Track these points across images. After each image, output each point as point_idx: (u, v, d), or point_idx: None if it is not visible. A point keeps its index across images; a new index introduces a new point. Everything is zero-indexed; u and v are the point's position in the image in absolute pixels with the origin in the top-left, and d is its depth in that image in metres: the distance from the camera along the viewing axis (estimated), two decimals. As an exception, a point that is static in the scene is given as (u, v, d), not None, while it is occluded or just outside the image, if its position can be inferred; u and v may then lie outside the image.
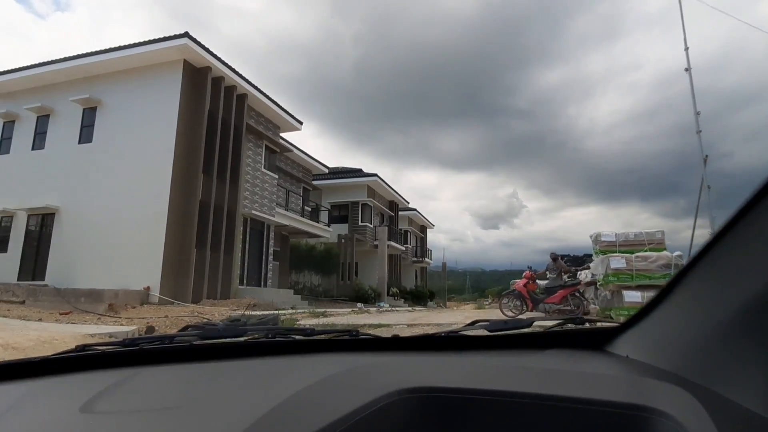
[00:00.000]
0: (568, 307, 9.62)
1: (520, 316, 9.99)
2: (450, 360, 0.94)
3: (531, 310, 10.06)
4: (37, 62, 14.62)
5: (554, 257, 10.98)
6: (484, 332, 1.08)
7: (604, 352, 0.95)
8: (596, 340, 0.99)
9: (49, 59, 14.41)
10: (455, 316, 11.60)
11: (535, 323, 1.17)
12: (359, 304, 15.31)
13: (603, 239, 10.59)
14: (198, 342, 1.03)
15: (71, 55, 14.14)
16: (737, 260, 0.59)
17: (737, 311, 0.59)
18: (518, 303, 10.16)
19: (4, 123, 15.42)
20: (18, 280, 13.63)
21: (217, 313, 10.92)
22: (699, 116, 9.66)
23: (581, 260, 14.60)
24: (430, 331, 8.23)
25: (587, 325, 1.15)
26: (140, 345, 0.99)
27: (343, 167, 29.89)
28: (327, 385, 0.71)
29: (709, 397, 0.60)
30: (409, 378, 0.72)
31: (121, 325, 8.94)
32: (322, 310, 12.33)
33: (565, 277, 11.05)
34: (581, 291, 10.15)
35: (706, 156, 9.31)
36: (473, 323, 1.16)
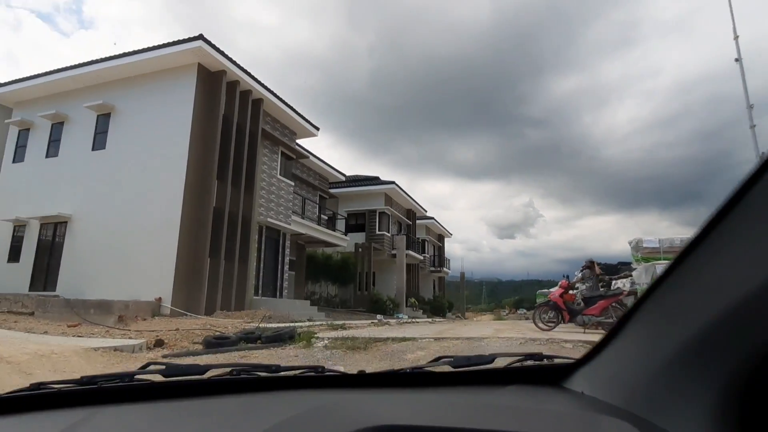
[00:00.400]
0: (610, 320, 8.81)
1: (556, 330, 9.21)
2: (415, 397, 0.97)
3: (567, 323, 9.27)
4: (51, 69, 14.45)
5: (590, 264, 10.19)
6: (448, 368, 1.10)
7: (561, 388, 0.97)
8: (554, 376, 1.00)
9: (64, 66, 14.23)
10: (483, 329, 10.84)
11: (497, 358, 1.17)
12: (379, 316, 14.65)
13: (645, 246, 9.80)
14: (159, 380, 1.00)
15: (85, 61, 13.93)
16: (680, 298, 0.62)
17: (680, 348, 0.61)
18: (554, 315, 9.38)
19: (19, 131, 15.26)
20: (29, 290, 13.29)
21: (230, 325, 10.36)
22: (750, 110, 8.87)
23: (615, 268, 13.75)
24: (459, 345, 7.53)
25: (545, 361, 1.16)
26: (99, 383, 0.96)
27: (360, 175, 29.38)
28: (292, 425, 0.70)
29: None
30: (375, 416, 0.73)
31: (129, 338, 8.43)
32: (341, 322, 11.68)
33: (600, 286, 10.25)
34: (622, 302, 9.34)
35: (763, 153, 8.48)
36: (437, 359, 1.17)
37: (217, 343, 7.89)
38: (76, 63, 14.04)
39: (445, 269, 37.91)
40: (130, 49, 13.23)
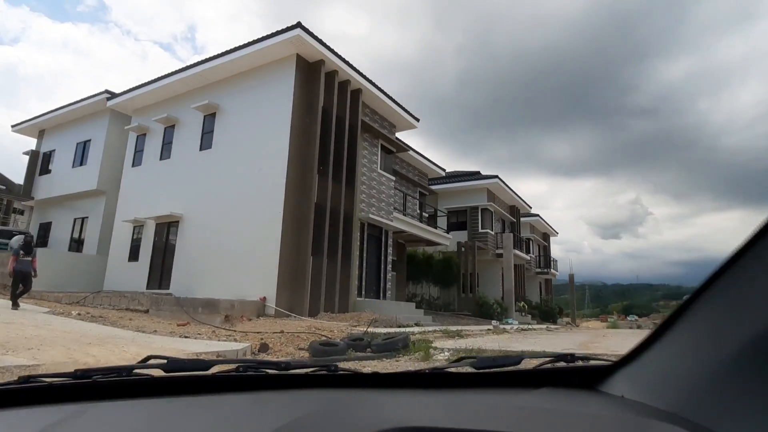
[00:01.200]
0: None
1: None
2: (434, 398, 0.91)
3: None
4: (161, 75, 14.94)
5: None
6: (470, 369, 1.04)
7: (597, 391, 0.91)
8: (589, 379, 0.95)
9: (172, 71, 14.63)
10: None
11: (525, 360, 1.10)
12: (494, 322, 13.10)
13: None
14: (159, 375, 0.95)
15: (190, 63, 14.16)
16: (741, 296, 0.59)
17: (744, 346, 0.58)
18: None
19: (137, 136, 16.06)
20: (147, 288, 13.74)
21: (336, 329, 9.55)
22: None
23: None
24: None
25: (579, 362, 1.09)
26: (93, 377, 0.91)
27: (459, 171, 27.80)
28: (303, 424, 0.67)
29: None
30: (392, 417, 0.70)
31: (235, 340, 7.90)
32: (455, 328, 10.35)
33: None
34: None
35: None
36: (459, 359, 1.13)
37: (323, 351, 7.02)
38: (183, 66, 14.33)
39: (552, 271, 34.86)
40: (231, 47, 13.11)
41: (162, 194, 14.36)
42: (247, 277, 11.56)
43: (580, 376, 0.96)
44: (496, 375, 1.02)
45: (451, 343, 8.07)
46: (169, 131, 15.13)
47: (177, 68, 14.12)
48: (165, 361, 0.99)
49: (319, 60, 12.69)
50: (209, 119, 14.03)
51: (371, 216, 14.27)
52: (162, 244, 14.21)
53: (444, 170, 23.04)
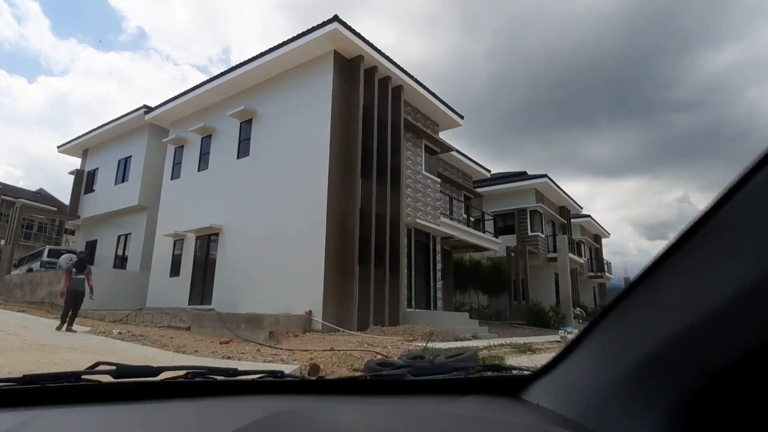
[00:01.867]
0: None
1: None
2: (373, 404, 0.96)
3: None
4: (196, 84, 14.62)
5: None
6: (409, 376, 1.12)
7: (519, 399, 0.97)
8: (512, 388, 1.01)
9: (207, 79, 14.28)
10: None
11: (458, 368, 1.17)
12: (560, 332, 11.91)
13: None
14: (108, 381, 0.94)
15: (224, 70, 13.75)
16: (637, 317, 0.62)
17: (634, 366, 0.62)
18: None
19: (175, 149, 15.80)
20: (188, 304, 13.27)
21: (389, 344, 8.62)
22: None
23: None
24: None
25: (504, 372, 1.17)
26: (42, 383, 0.90)
27: (504, 172, 26.51)
28: None
29: None
30: (333, 424, 0.73)
31: (281, 360, 7.10)
32: (523, 341, 9.23)
33: None
34: None
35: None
36: (399, 367, 1.23)
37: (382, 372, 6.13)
38: (218, 73, 13.95)
39: (607, 274, 32.77)
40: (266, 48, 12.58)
41: (201, 206, 13.94)
42: (292, 290, 10.84)
43: (505, 385, 1.03)
44: (432, 382, 1.11)
45: (525, 359, 7.00)
46: (206, 141, 14.76)
47: (212, 77, 13.72)
48: (114, 367, 0.99)
49: (358, 56, 11.96)
50: (246, 126, 13.54)
51: (418, 221, 13.33)
52: (203, 258, 13.75)
53: (489, 171, 21.89)
